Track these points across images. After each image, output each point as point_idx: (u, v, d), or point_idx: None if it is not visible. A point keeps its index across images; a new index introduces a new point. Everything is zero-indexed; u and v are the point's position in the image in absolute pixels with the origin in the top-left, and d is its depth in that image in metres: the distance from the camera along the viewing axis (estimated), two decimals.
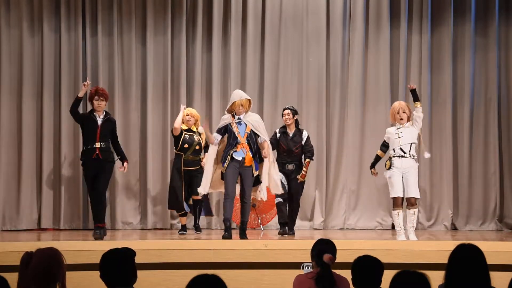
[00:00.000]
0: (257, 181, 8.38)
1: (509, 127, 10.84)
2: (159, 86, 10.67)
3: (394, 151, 8.30)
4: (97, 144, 8.45)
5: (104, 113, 8.63)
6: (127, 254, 3.85)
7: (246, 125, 8.30)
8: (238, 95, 8.38)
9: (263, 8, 10.89)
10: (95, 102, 8.54)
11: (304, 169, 9.21)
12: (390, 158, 8.31)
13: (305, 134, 9.34)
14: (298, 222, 10.65)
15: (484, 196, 10.81)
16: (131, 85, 10.58)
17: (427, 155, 8.83)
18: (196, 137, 9.25)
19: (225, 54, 10.83)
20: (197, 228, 9.33)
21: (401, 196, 8.27)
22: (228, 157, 8.17)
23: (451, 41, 10.88)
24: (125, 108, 10.57)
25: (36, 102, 10.34)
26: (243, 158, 8.20)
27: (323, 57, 10.92)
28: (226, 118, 8.37)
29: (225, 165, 8.18)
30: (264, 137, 8.38)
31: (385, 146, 8.57)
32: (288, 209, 9.31)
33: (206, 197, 9.30)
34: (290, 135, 9.27)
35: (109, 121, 8.63)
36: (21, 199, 10.16)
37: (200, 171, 9.02)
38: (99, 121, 8.50)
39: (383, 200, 10.70)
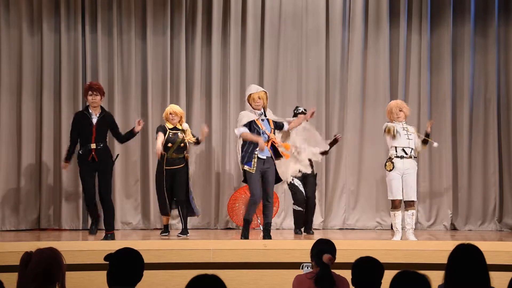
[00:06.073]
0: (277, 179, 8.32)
1: (508, 127, 10.83)
2: (159, 86, 10.67)
3: (396, 151, 8.29)
4: (92, 146, 8.25)
5: (100, 110, 8.36)
6: (138, 254, 3.87)
7: (269, 121, 8.27)
8: (254, 87, 8.37)
9: (263, 8, 10.89)
10: (89, 98, 8.28)
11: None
12: (390, 159, 8.29)
13: None
14: None
15: (484, 196, 10.81)
16: (130, 84, 10.58)
17: (435, 144, 8.80)
18: (180, 135, 8.89)
19: (224, 54, 10.83)
20: (183, 231, 8.85)
21: (401, 198, 8.30)
22: (254, 157, 8.05)
23: (450, 41, 10.87)
24: (124, 108, 10.56)
25: (35, 101, 10.34)
26: (267, 156, 8.12)
27: (323, 57, 10.92)
28: (248, 115, 8.21)
29: (252, 166, 8.02)
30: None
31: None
32: (306, 211, 9.45)
33: (191, 197, 9.03)
34: None
35: (105, 119, 8.36)
36: (20, 199, 10.16)
37: (185, 170, 8.90)
38: (94, 120, 8.27)
39: (382, 200, 10.70)
